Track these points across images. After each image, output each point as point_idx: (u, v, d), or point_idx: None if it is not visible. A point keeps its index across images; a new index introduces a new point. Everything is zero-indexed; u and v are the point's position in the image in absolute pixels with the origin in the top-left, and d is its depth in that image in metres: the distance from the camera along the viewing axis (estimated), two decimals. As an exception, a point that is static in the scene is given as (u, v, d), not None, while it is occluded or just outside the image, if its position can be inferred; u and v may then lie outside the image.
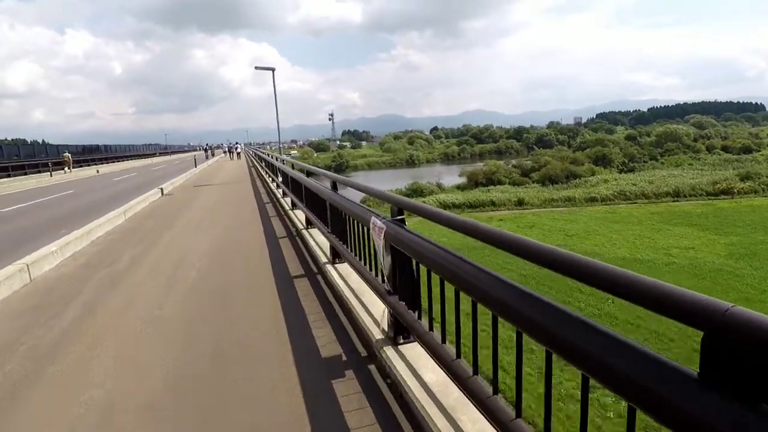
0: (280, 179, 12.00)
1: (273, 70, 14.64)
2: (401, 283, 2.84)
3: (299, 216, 8.19)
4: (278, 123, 17.11)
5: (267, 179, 17.96)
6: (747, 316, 0.85)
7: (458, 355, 2.12)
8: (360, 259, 3.89)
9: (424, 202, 37.54)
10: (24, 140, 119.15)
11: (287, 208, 9.92)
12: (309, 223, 6.99)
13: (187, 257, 6.39)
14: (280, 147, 21.70)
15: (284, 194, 10.85)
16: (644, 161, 58.52)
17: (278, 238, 7.61)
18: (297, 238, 7.47)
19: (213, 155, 58.46)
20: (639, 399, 1.07)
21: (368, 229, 3.32)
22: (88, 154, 42.06)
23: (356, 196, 5.86)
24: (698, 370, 0.96)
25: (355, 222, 3.96)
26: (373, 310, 3.54)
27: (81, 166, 36.80)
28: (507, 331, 1.85)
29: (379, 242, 3.02)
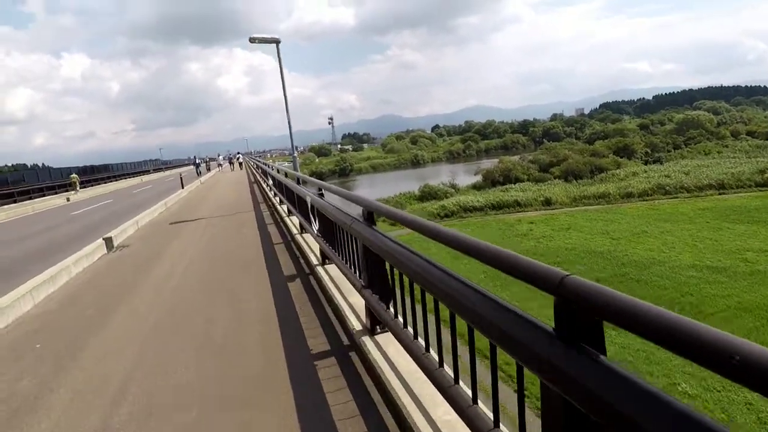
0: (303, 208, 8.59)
1: (278, 42, 11.54)
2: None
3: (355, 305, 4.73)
4: (288, 114, 12.41)
5: (275, 201, 12.89)
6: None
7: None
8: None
9: (442, 206, 34.44)
10: (25, 165, 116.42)
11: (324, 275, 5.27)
12: (303, 228, 7.30)
13: None
14: (294, 154, 14.00)
15: (323, 257, 5.67)
16: (667, 150, 55.16)
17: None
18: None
19: (208, 170, 46.27)
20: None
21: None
22: (88, 175, 38.61)
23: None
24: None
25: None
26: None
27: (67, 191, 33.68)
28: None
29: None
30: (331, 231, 4.65)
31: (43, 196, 28.32)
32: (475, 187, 45.39)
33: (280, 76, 12.23)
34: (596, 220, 27.33)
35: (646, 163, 48.72)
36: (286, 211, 9.02)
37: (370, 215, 3.18)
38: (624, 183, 35.48)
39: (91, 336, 4.41)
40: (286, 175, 9.43)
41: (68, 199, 25.67)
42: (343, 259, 4.14)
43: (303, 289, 5.16)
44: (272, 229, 9.33)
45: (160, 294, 5.64)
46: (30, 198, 26.96)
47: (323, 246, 5.09)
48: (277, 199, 11.83)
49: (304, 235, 6.09)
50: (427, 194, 41.90)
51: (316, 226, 5.48)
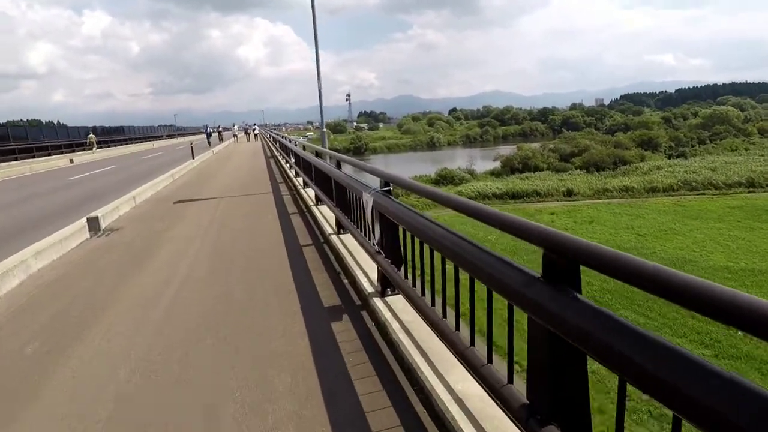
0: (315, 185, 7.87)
1: None
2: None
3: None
4: (319, 78, 11.15)
5: (296, 183, 11.31)
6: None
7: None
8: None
9: (460, 192, 33.65)
10: (39, 121, 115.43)
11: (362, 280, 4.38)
12: (318, 200, 7.50)
13: None
14: (323, 129, 12.18)
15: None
16: (692, 145, 53.66)
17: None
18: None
19: (221, 140, 41.03)
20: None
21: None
22: (101, 136, 38.05)
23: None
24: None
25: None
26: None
27: (84, 150, 33.19)
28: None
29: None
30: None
31: (50, 155, 27.44)
32: (494, 173, 44.53)
33: (313, 29, 10.52)
34: (620, 214, 26.52)
35: (669, 157, 47.43)
36: (314, 198, 7.82)
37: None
38: (648, 177, 34.44)
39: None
40: (317, 154, 8.04)
41: (72, 161, 24.52)
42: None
43: (353, 329, 3.41)
44: (297, 221, 7.32)
45: (147, 318, 3.72)
46: (33, 156, 25.97)
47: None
48: (300, 179, 10.68)
49: (341, 235, 5.32)
50: (444, 178, 41.14)
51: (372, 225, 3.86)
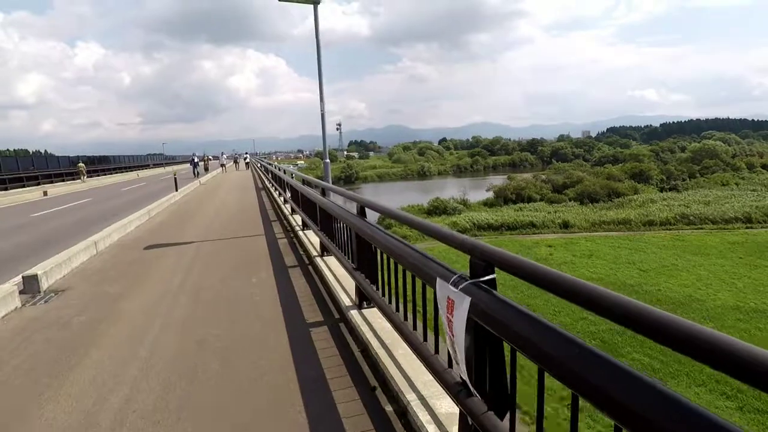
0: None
1: (316, 2, 9.38)
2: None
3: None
4: (321, 83, 9.81)
5: (292, 221, 9.72)
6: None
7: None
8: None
9: (455, 222, 32.87)
10: (27, 151, 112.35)
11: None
12: (324, 250, 6.49)
13: None
14: (326, 160, 10.69)
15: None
16: (683, 179, 53.79)
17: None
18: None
19: (206, 170, 38.20)
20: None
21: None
22: (90, 165, 36.70)
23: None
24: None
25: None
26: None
27: (74, 179, 31.83)
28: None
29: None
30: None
31: (24, 186, 26.03)
32: (486, 203, 43.95)
33: (315, 41, 9.26)
34: (619, 247, 25.79)
35: (662, 190, 47.33)
36: (319, 249, 6.43)
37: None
38: (643, 210, 33.97)
39: None
40: (323, 192, 6.22)
41: (45, 193, 22.86)
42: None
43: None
44: (299, 282, 5.54)
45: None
46: (6, 188, 24.50)
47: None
48: (298, 218, 9.33)
49: (363, 310, 4.07)
50: (437, 208, 40.37)
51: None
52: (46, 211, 15.42)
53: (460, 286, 1.82)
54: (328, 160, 10.82)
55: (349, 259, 4.36)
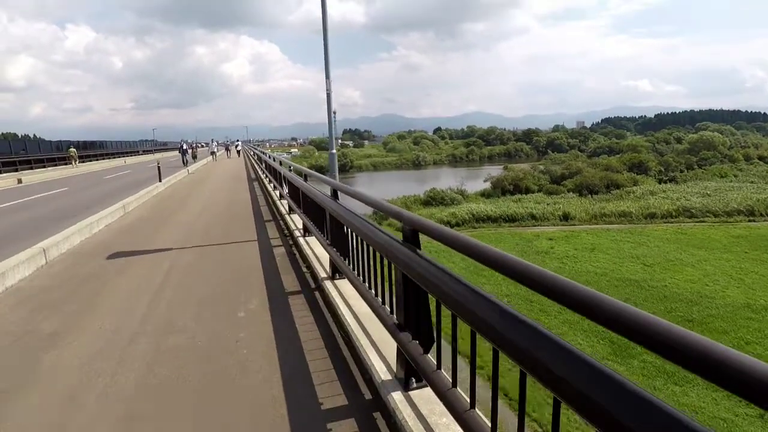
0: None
1: None
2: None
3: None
4: (327, 58, 8.61)
5: (290, 222, 8.19)
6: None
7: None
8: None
9: (454, 213, 32.13)
10: (15, 134, 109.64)
11: None
12: (335, 271, 5.30)
13: None
14: (333, 150, 9.68)
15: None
16: (681, 170, 53.40)
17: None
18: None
19: (195, 158, 34.73)
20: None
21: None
22: (80, 150, 35.24)
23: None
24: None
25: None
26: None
27: (66, 164, 30.49)
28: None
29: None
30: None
31: (16, 169, 24.74)
32: (484, 194, 43.29)
33: (321, 7, 8.63)
34: (622, 241, 25.23)
35: (660, 181, 46.88)
36: (329, 269, 4.82)
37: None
38: (643, 202, 33.44)
39: None
40: (334, 193, 5.12)
41: (20, 181, 21.01)
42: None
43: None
44: (302, 316, 4.08)
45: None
46: None
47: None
48: (295, 216, 8.10)
49: (414, 391, 2.93)
50: (433, 198, 39.66)
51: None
52: (11, 203, 13.52)
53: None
54: (334, 151, 9.35)
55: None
